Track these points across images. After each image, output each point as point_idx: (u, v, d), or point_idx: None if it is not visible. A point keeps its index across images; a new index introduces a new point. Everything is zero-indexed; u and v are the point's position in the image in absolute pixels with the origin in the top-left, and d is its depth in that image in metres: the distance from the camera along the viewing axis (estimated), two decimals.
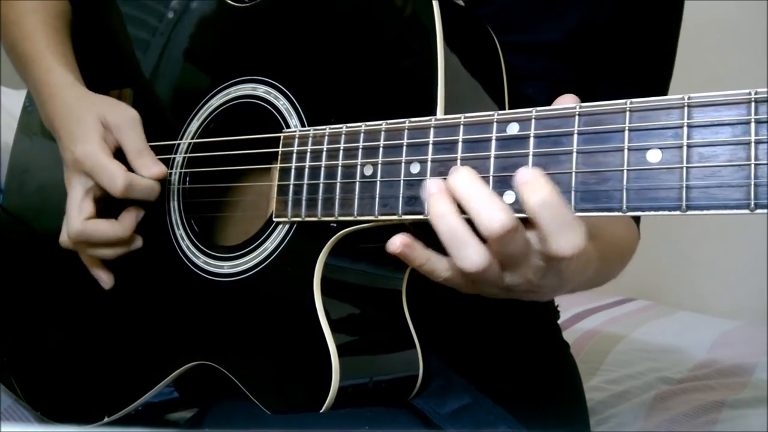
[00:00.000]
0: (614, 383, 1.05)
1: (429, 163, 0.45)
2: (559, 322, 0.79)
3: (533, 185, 0.39)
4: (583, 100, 0.42)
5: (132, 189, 0.60)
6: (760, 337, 1.19)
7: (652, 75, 0.67)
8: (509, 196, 0.42)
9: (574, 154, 0.40)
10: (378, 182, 0.48)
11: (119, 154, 0.62)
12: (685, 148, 0.37)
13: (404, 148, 0.47)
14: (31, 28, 0.69)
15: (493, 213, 0.40)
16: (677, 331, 1.31)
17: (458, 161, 0.44)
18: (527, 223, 0.42)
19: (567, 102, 0.42)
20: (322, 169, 0.51)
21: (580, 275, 0.48)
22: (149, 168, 0.61)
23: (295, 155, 0.53)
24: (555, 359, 0.76)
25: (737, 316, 1.52)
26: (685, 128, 0.37)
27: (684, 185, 0.37)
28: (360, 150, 0.49)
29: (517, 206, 0.42)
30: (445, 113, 0.48)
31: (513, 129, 0.43)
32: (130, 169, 0.61)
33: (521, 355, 0.71)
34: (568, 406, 0.74)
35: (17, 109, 0.85)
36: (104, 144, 0.61)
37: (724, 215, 0.36)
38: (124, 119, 0.62)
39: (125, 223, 0.63)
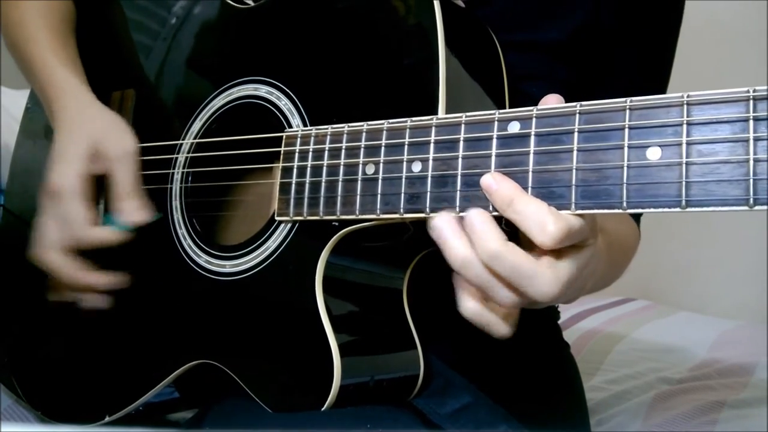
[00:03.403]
0: (614, 383, 1.06)
1: (431, 162, 0.46)
2: (559, 322, 0.80)
3: (494, 195, 0.42)
4: (583, 100, 0.42)
5: (95, 245, 0.60)
6: (760, 337, 1.20)
7: (653, 74, 0.67)
8: None
9: (575, 152, 0.40)
10: (380, 181, 0.48)
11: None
12: (684, 145, 0.37)
13: (406, 146, 0.47)
14: (35, 29, 0.69)
15: (547, 288, 0.41)
16: (677, 331, 1.32)
17: (459, 160, 0.44)
18: None
19: (551, 102, 0.43)
20: (324, 168, 0.51)
21: (593, 275, 0.48)
22: (134, 214, 0.60)
23: (297, 154, 0.53)
24: (555, 359, 0.76)
25: (737, 316, 1.52)
26: (685, 126, 0.38)
27: (683, 182, 0.37)
28: (362, 149, 0.49)
29: None
30: (447, 113, 0.48)
31: (514, 127, 0.43)
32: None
33: (522, 355, 0.71)
34: (568, 406, 0.74)
35: (17, 109, 0.85)
36: (82, 178, 0.61)
37: (723, 213, 0.37)
38: (121, 151, 0.61)
39: (104, 279, 0.63)
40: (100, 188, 0.64)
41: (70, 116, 0.64)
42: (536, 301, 0.41)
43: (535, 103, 0.43)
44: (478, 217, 0.42)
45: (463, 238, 0.42)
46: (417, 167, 0.46)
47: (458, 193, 0.44)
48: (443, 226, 0.43)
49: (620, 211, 0.39)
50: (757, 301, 1.67)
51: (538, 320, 0.75)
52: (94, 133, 0.62)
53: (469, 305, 0.44)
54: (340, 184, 0.50)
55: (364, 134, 0.49)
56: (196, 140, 0.64)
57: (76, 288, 0.64)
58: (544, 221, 0.39)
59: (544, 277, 0.40)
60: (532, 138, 0.42)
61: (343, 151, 0.50)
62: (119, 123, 0.65)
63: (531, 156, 0.42)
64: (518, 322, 0.71)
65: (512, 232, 0.43)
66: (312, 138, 0.52)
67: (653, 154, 0.38)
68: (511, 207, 0.41)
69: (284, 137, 0.54)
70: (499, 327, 0.45)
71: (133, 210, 0.61)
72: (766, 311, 1.58)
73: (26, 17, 0.70)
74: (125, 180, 0.61)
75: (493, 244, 0.41)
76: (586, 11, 0.63)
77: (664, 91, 0.68)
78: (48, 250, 0.62)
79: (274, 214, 0.54)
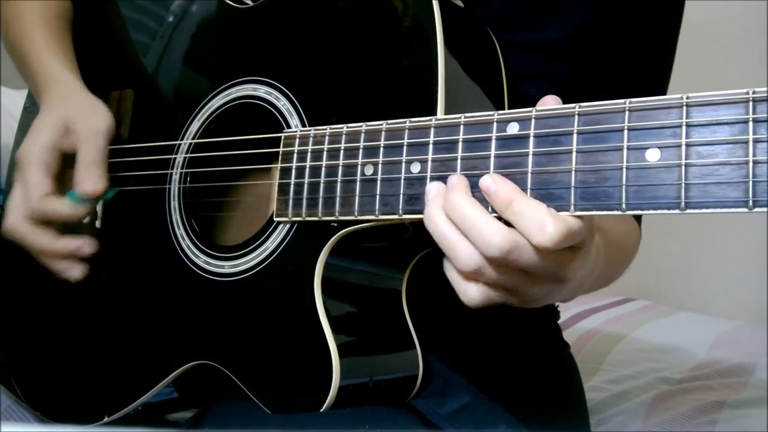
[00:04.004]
0: (614, 383, 1.06)
1: (429, 163, 0.46)
2: (559, 322, 0.80)
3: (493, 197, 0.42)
4: (582, 100, 0.42)
5: (45, 213, 0.60)
6: (760, 337, 1.20)
7: (652, 75, 0.67)
8: None
9: (574, 154, 0.40)
10: (378, 181, 0.48)
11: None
12: (683, 147, 0.37)
13: (405, 147, 0.47)
14: (30, 25, 0.70)
15: (491, 238, 0.41)
16: (677, 331, 1.32)
17: (458, 161, 0.44)
18: None
19: (549, 104, 0.43)
20: (323, 168, 0.51)
21: (591, 274, 0.48)
22: (86, 182, 0.60)
23: (296, 155, 0.53)
24: (555, 359, 0.76)
25: (737, 316, 1.52)
26: (684, 127, 0.38)
27: (683, 184, 0.37)
28: (361, 150, 0.49)
29: None
30: (445, 114, 0.48)
31: (513, 129, 0.43)
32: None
33: (521, 355, 0.71)
34: (568, 406, 0.74)
35: (17, 109, 0.85)
36: (47, 149, 0.61)
37: (723, 214, 0.37)
38: (89, 128, 0.62)
39: (58, 244, 0.63)
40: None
41: (52, 100, 0.65)
42: (487, 255, 0.41)
43: (535, 104, 0.43)
44: (454, 177, 0.43)
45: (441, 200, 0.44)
46: (416, 168, 0.46)
47: None
48: (431, 188, 0.44)
49: (619, 212, 0.39)
50: (757, 301, 1.67)
51: (537, 320, 0.75)
52: (68, 112, 0.63)
53: (449, 273, 0.45)
54: (338, 184, 0.50)
55: (362, 135, 0.49)
56: (195, 140, 0.64)
57: (47, 256, 0.64)
58: (543, 222, 0.39)
59: (490, 228, 0.41)
60: (531, 139, 0.42)
61: (341, 152, 0.50)
62: (97, 104, 0.65)
63: (530, 157, 0.42)
64: (518, 322, 0.71)
65: None
66: (310, 139, 0.52)
67: (652, 155, 0.38)
68: (510, 208, 0.41)
69: (283, 138, 0.54)
70: (467, 290, 0.45)
71: (87, 181, 0.61)
72: (766, 311, 1.58)
73: (22, 14, 0.71)
74: (88, 154, 0.62)
75: (455, 194, 0.42)
76: (587, 10, 0.63)
77: (664, 92, 0.68)
78: (11, 216, 0.62)
79: (272, 214, 0.54)
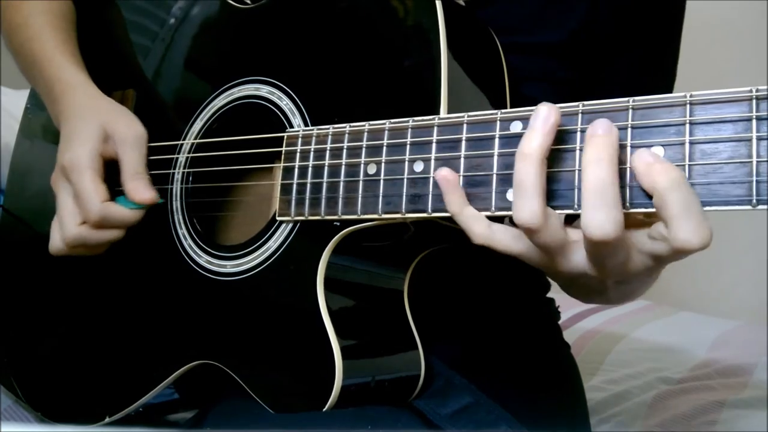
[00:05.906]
0: (614, 383, 1.05)
1: (432, 162, 0.46)
2: (559, 322, 0.80)
3: (659, 166, 0.37)
4: (585, 101, 0.42)
5: (106, 220, 0.59)
6: (760, 337, 1.19)
7: (655, 75, 0.67)
8: (511, 194, 0.42)
9: (578, 152, 0.40)
10: (381, 181, 0.48)
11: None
12: (687, 145, 0.37)
13: (408, 146, 0.47)
14: (39, 28, 0.69)
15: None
16: (677, 331, 1.31)
17: (461, 159, 0.44)
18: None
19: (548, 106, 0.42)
20: (326, 168, 0.51)
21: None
22: (140, 193, 0.60)
23: (298, 154, 0.53)
24: (555, 360, 0.76)
25: (737, 316, 1.51)
26: (687, 125, 0.38)
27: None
28: (363, 149, 0.49)
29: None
30: (448, 113, 0.48)
31: (516, 127, 0.43)
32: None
33: (522, 355, 0.71)
34: (568, 406, 0.74)
35: (17, 109, 0.85)
36: (95, 156, 0.61)
37: (724, 213, 0.37)
38: (131, 134, 0.62)
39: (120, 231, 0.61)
40: (114, 176, 0.63)
41: (80, 106, 0.64)
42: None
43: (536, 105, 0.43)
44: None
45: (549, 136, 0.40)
46: (419, 167, 0.46)
47: None
48: (549, 110, 0.40)
49: (624, 210, 0.39)
50: (757, 301, 1.67)
51: (538, 321, 0.75)
52: (104, 118, 0.62)
53: (477, 230, 0.44)
54: (341, 184, 0.50)
55: (365, 134, 0.49)
56: (197, 140, 0.64)
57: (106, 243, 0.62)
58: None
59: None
60: None
61: (344, 151, 0.50)
62: (128, 111, 0.65)
63: None
64: (518, 322, 0.71)
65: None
66: (313, 138, 0.52)
67: (656, 153, 0.38)
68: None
69: (285, 137, 0.54)
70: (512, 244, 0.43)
71: (140, 189, 0.60)
72: (766, 311, 1.58)
73: (29, 18, 0.70)
74: (134, 162, 0.61)
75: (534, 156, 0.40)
76: (585, 12, 0.63)
77: (669, 91, 0.68)
78: (69, 226, 0.60)
79: (275, 214, 0.54)
